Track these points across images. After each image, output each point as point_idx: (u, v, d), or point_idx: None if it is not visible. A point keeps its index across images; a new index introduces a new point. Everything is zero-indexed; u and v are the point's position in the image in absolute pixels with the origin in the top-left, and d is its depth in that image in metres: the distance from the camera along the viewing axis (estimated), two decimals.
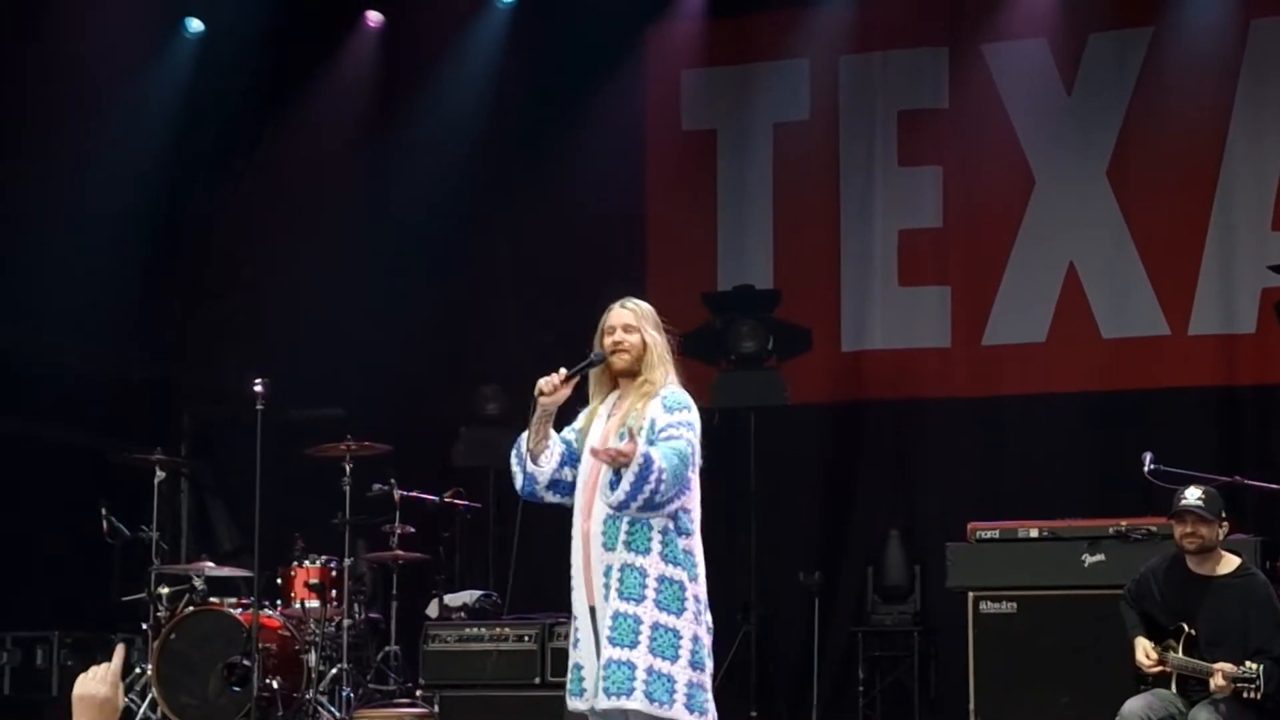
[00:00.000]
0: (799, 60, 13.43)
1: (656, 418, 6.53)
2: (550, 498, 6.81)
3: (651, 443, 6.46)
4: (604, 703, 6.41)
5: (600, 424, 6.70)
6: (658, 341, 6.70)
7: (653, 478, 6.35)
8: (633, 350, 6.68)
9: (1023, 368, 12.67)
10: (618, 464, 6.36)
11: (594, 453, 6.49)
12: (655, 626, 6.41)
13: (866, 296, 13.08)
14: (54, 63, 12.38)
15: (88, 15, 12.42)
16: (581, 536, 6.63)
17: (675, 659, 6.41)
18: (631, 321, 6.71)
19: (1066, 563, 9.95)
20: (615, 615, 6.41)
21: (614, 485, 6.39)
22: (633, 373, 6.69)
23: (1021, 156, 12.79)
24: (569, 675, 6.68)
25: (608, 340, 6.70)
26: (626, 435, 6.41)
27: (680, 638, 6.44)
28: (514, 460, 6.81)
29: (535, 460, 6.73)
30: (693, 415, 6.58)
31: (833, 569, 12.58)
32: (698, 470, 6.60)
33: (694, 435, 6.53)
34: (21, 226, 12.46)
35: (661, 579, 6.47)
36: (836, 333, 13.11)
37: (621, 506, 6.41)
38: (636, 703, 6.33)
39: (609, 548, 6.52)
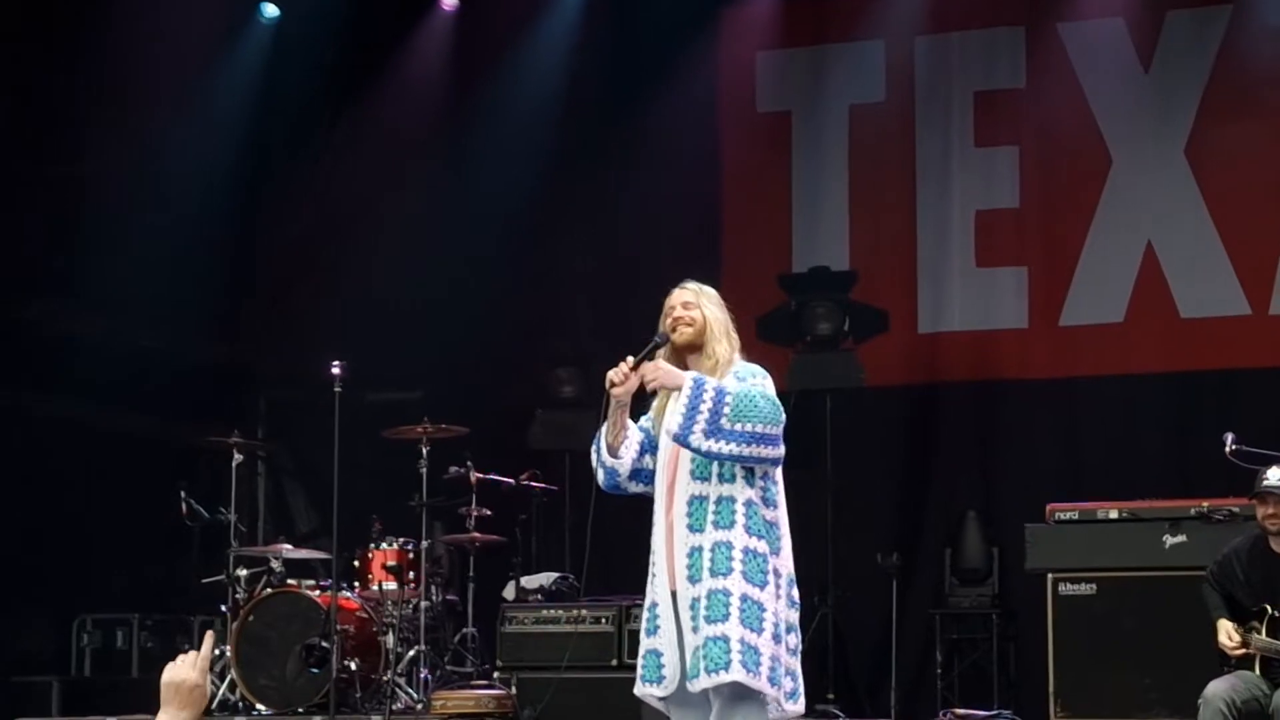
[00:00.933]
0: (874, 41, 13.37)
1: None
2: (634, 488, 6.82)
3: None
4: (703, 681, 6.39)
5: (674, 408, 6.70)
6: (718, 318, 6.71)
7: (708, 396, 6.36)
8: (694, 324, 6.69)
9: (1101, 348, 12.58)
10: (658, 383, 6.44)
11: (639, 370, 6.48)
12: (744, 599, 6.41)
13: (944, 278, 13.02)
14: (130, 50, 12.43)
15: (163, 2, 12.48)
16: (665, 523, 6.63)
17: (760, 631, 6.40)
18: (690, 299, 6.74)
19: (1147, 544, 9.89)
20: (710, 593, 6.41)
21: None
22: (696, 347, 6.70)
23: (1098, 136, 12.70)
24: (641, 662, 6.67)
25: (669, 320, 6.72)
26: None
27: (764, 610, 6.43)
28: (594, 456, 6.84)
29: (615, 453, 6.76)
30: (768, 381, 6.56)
31: (910, 551, 12.51)
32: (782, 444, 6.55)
33: (772, 391, 6.52)
34: (98, 213, 12.54)
35: (746, 551, 6.46)
36: (913, 314, 13.04)
37: (681, 435, 6.41)
38: (735, 674, 6.32)
39: (696, 529, 6.52)
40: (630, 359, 6.61)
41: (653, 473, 6.74)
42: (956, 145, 13.08)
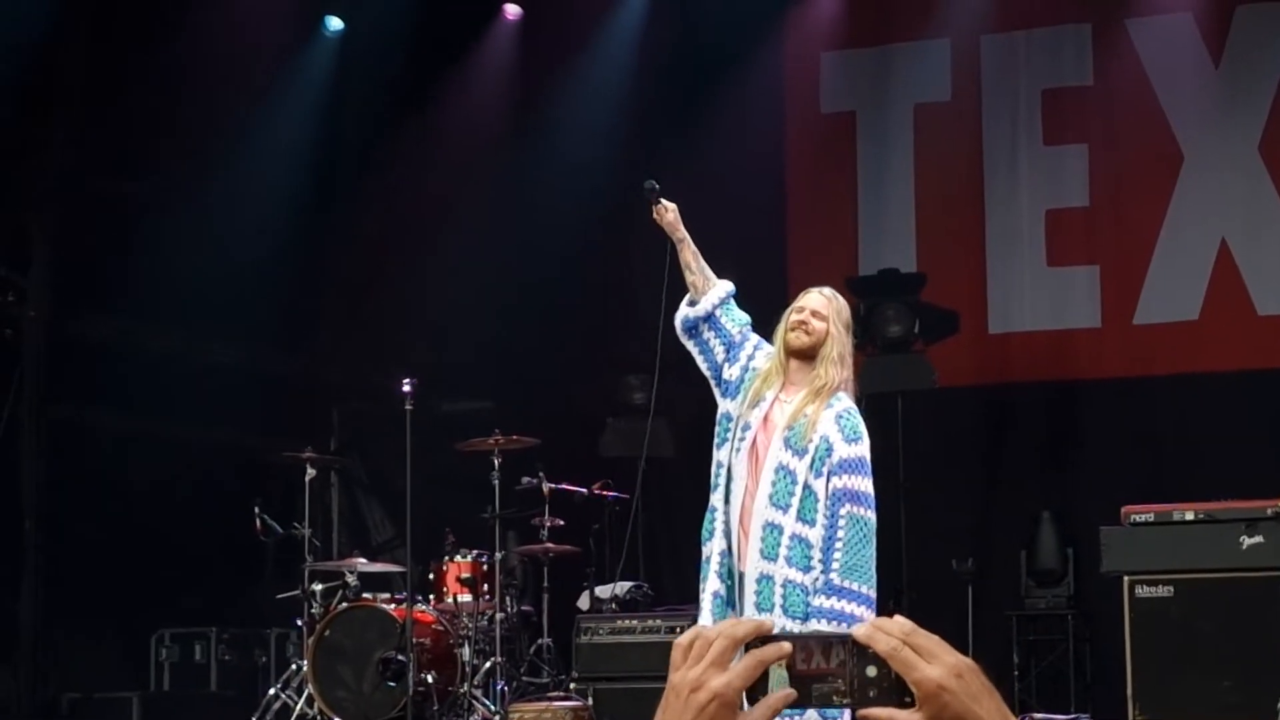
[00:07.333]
0: (940, 40, 13.32)
1: (833, 442, 6.52)
2: (681, 333, 7.01)
3: (819, 470, 6.48)
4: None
5: (769, 404, 6.68)
6: (841, 340, 6.69)
7: (865, 608, 6.51)
8: (814, 335, 6.68)
9: (1176, 346, 12.50)
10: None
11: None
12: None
13: (1014, 278, 12.96)
14: (197, 65, 12.51)
15: (229, 17, 12.54)
16: (739, 502, 6.65)
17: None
18: (823, 310, 6.73)
19: (1223, 545, 9.78)
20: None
21: None
22: (807, 356, 6.68)
23: (1169, 132, 12.61)
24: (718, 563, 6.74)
25: (794, 318, 6.72)
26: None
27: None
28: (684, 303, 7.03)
29: (695, 299, 6.96)
30: (865, 446, 6.60)
31: (985, 552, 12.46)
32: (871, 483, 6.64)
33: (867, 479, 6.58)
34: (170, 228, 12.61)
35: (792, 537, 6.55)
36: (984, 315, 12.99)
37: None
38: None
39: (768, 556, 6.56)
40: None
41: (713, 359, 6.87)
42: (1024, 144, 13.02)
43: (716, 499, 6.76)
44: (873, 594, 6.51)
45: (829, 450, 6.49)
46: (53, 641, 12.09)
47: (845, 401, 6.61)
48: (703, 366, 6.98)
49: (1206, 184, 12.53)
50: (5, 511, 11.86)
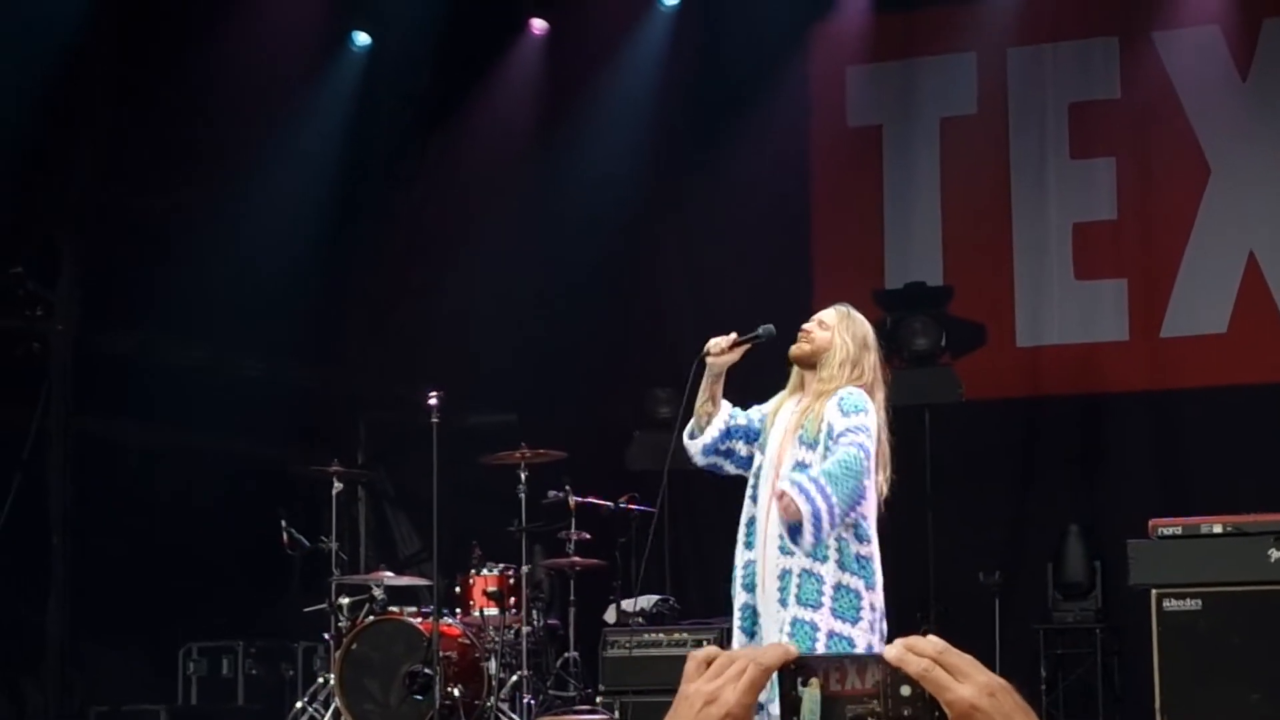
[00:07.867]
0: (966, 54, 13.31)
1: (834, 422, 6.52)
2: (702, 460, 6.87)
3: (827, 450, 6.47)
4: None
5: (785, 417, 6.70)
6: (847, 348, 6.67)
7: (825, 517, 6.35)
8: (814, 343, 6.68)
9: (1204, 359, 12.47)
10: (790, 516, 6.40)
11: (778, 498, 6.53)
12: (831, 635, 6.41)
13: (1042, 291, 12.94)
14: (224, 79, 12.55)
15: (257, 32, 12.58)
16: (761, 532, 6.63)
17: None
18: (829, 319, 6.74)
19: (1252, 558, 9.74)
20: (794, 621, 6.41)
21: (795, 538, 6.41)
22: (809, 364, 6.68)
23: (1197, 145, 12.59)
24: (740, 616, 6.72)
25: (801, 330, 6.74)
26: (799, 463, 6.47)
27: (854, 646, 6.42)
28: (685, 436, 6.93)
29: (702, 425, 6.82)
30: (869, 419, 6.55)
31: (1012, 565, 12.44)
32: (874, 476, 6.57)
33: (869, 439, 6.50)
34: (197, 242, 12.64)
35: (838, 586, 6.46)
36: (1011, 328, 12.97)
37: (814, 550, 6.41)
38: None
39: (786, 551, 6.53)
40: (735, 335, 6.66)
41: (744, 458, 6.79)
42: (1051, 157, 13.01)
43: (738, 554, 6.77)
44: (838, 513, 6.38)
45: (830, 431, 6.50)
46: (80, 654, 12.13)
47: (848, 388, 6.61)
48: (733, 470, 6.97)
49: (1234, 197, 12.50)
50: (32, 525, 11.89)
